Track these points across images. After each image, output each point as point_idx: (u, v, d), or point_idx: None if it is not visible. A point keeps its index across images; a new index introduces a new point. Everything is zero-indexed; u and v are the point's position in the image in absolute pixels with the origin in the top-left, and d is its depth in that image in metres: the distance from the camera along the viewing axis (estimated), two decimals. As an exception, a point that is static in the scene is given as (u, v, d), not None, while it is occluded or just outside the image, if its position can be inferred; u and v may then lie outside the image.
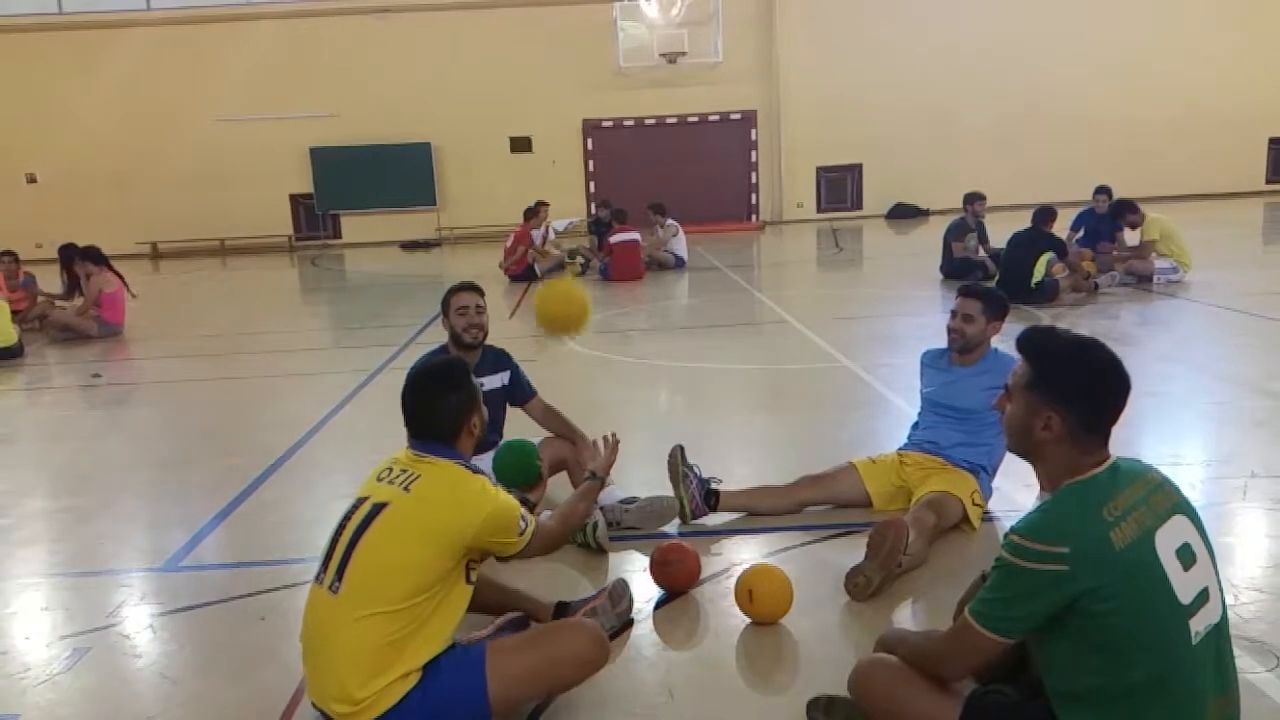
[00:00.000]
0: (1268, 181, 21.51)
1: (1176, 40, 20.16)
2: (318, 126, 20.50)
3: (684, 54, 20.05)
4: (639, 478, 4.32)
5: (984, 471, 3.95)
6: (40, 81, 19.86)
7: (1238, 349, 7.13)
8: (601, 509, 3.79)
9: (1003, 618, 1.97)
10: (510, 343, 4.79)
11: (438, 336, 5.81)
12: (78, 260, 10.33)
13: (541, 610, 3.02)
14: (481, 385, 2.81)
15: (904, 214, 21.04)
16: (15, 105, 19.94)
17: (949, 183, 17.69)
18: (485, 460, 3.86)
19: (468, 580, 2.52)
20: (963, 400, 3.97)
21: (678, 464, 3.98)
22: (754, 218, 21.50)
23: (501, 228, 17.48)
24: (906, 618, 3.20)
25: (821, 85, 20.64)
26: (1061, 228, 10.18)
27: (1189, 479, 4.19)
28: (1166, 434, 5.01)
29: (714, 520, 4.01)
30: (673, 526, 3.97)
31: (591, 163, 21.27)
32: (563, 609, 3.04)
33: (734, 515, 4.05)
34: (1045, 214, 9.47)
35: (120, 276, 10.17)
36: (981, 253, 10.88)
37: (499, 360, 4.39)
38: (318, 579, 2.48)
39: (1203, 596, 1.94)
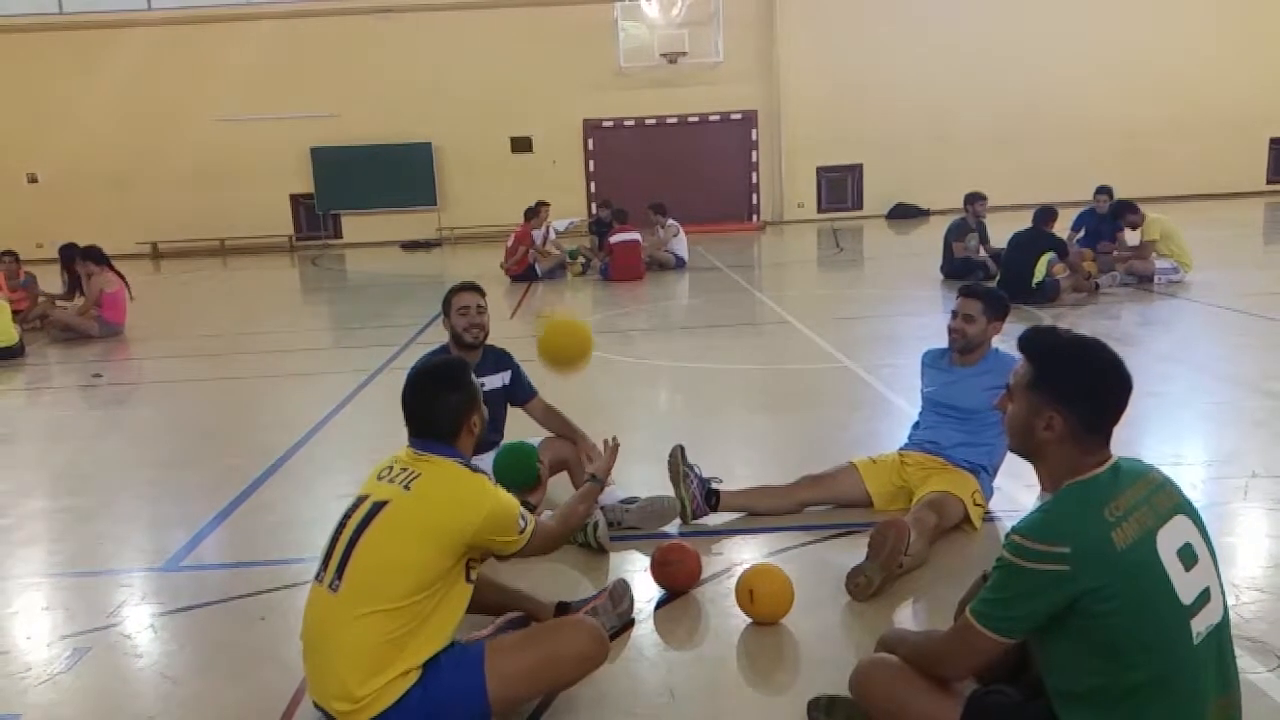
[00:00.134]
0: (1268, 181, 21.51)
1: (1177, 40, 20.16)
2: (318, 126, 20.51)
3: (685, 54, 20.05)
4: (639, 478, 4.32)
5: (985, 471, 3.95)
6: (41, 81, 19.87)
7: (1238, 349, 7.13)
8: (602, 509, 3.79)
9: (1004, 618, 1.97)
10: (511, 343, 4.78)
11: (438, 336, 5.81)
12: (79, 260, 10.34)
13: (542, 610, 3.02)
14: (482, 385, 2.81)
15: (904, 214, 21.04)
16: (16, 105, 19.96)
17: (949, 183, 17.69)
18: (485, 460, 3.86)
19: (468, 579, 2.53)
20: (964, 400, 3.97)
21: (678, 464, 3.98)
22: (754, 218, 21.50)
23: (502, 228, 17.48)
24: (907, 618, 3.20)
25: (822, 85, 20.65)
26: (1062, 228, 10.19)
27: (1190, 479, 4.19)
28: (1167, 434, 5.01)
29: (715, 520, 4.01)
30: (673, 526, 3.97)
31: (592, 163, 21.28)
32: (564, 609, 3.04)
33: (735, 515, 4.05)
34: (1046, 214, 9.47)
35: (122, 276, 10.17)
36: (982, 253, 10.88)
37: (500, 360, 4.39)
38: (318, 577, 2.48)
39: (1204, 597, 1.94)
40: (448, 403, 2.60)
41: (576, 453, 4.22)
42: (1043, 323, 5.55)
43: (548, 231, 13.80)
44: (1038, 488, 2.17)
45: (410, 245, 20.17)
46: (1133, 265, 9.96)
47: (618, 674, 2.89)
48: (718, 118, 21.24)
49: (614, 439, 3.32)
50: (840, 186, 21.73)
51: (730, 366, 7.50)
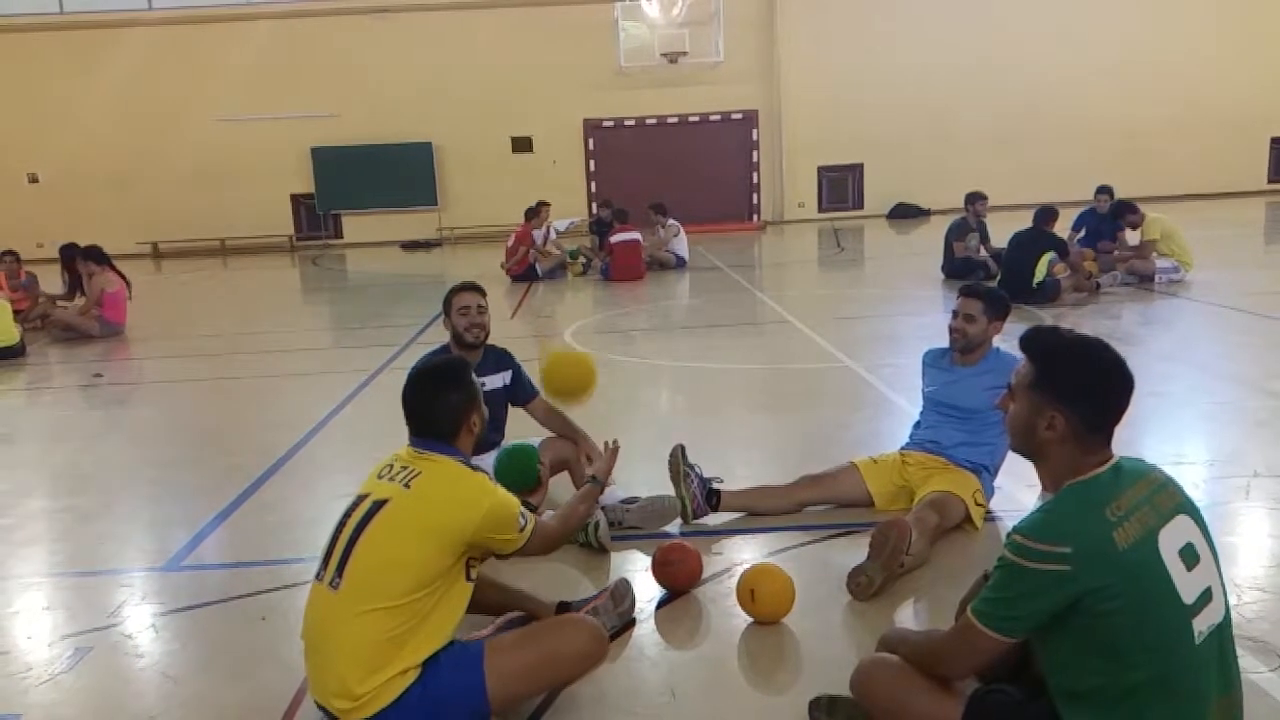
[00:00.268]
0: (1269, 181, 21.51)
1: (1177, 39, 20.16)
2: (319, 126, 20.51)
3: (685, 54, 20.04)
4: (640, 477, 4.31)
5: (986, 471, 3.95)
6: (41, 81, 19.87)
7: (1240, 348, 7.13)
8: (603, 509, 3.79)
9: (1005, 617, 1.97)
10: (512, 342, 4.78)
11: (439, 336, 5.82)
12: (80, 260, 10.34)
13: (543, 610, 3.02)
14: (483, 385, 2.82)
15: (905, 214, 21.04)
16: (16, 105, 19.97)
17: (950, 182, 17.69)
18: (486, 460, 3.86)
19: (468, 578, 2.53)
20: (965, 400, 3.97)
21: (679, 464, 3.98)
22: (755, 217, 21.50)
23: (502, 228, 17.48)
24: (908, 617, 3.20)
25: (822, 85, 20.66)
26: (1063, 227, 10.18)
27: (1191, 478, 4.18)
28: (1169, 433, 5.01)
29: (715, 520, 4.00)
30: (674, 526, 3.97)
31: (592, 162, 21.28)
32: (565, 609, 3.04)
33: (735, 515, 4.05)
34: (1047, 214, 9.47)
35: (123, 276, 10.17)
36: (983, 252, 10.88)
37: (501, 360, 4.39)
38: (318, 576, 2.49)
39: (1206, 596, 1.94)
40: (448, 402, 2.61)
41: (577, 453, 4.23)
42: (1044, 322, 5.55)
43: (548, 231, 13.80)
44: (1039, 487, 2.17)
45: (411, 245, 20.17)
46: (1133, 265, 9.96)
47: (619, 673, 2.89)
48: (718, 117, 21.24)
49: (614, 441, 3.33)
50: (841, 186, 21.73)
51: (731, 366, 7.50)
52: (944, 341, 4.11)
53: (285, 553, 4.00)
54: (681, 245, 13.38)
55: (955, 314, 4.00)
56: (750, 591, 3.13)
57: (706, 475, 4.05)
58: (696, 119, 21.17)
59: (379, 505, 2.46)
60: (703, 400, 6.47)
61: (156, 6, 20.19)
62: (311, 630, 2.47)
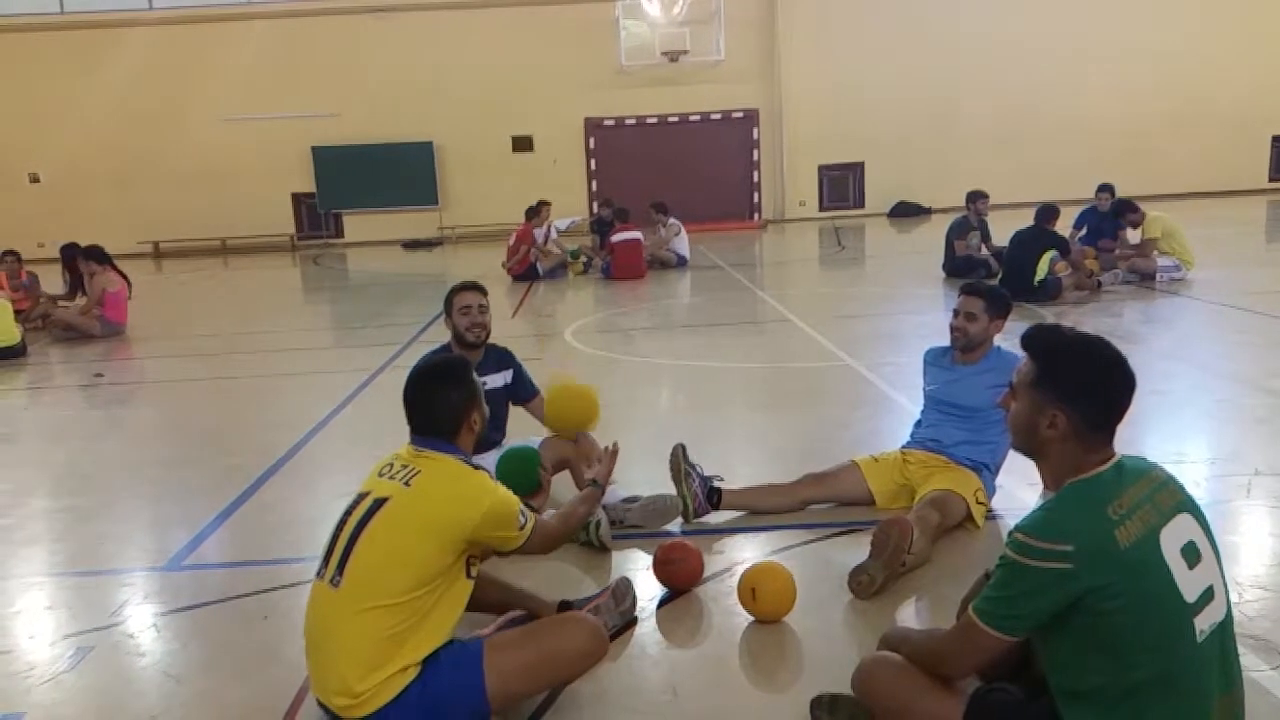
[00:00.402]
0: (1270, 179, 21.50)
1: (1178, 38, 20.14)
2: (319, 125, 20.52)
3: (686, 52, 20.05)
4: (641, 476, 4.31)
5: (987, 469, 3.95)
6: (42, 81, 19.88)
7: (1241, 346, 7.12)
8: (604, 507, 3.79)
9: (1007, 616, 1.97)
10: (513, 342, 4.79)
11: (440, 335, 5.82)
12: (81, 260, 10.34)
13: (545, 609, 3.02)
14: (484, 384, 2.82)
15: (906, 212, 21.04)
16: (17, 105, 19.97)
17: (951, 181, 17.69)
18: (487, 459, 3.86)
19: (468, 575, 2.54)
20: (966, 398, 3.97)
21: (679, 462, 3.98)
22: (756, 216, 21.50)
23: (503, 227, 17.50)
24: (910, 616, 3.19)
25: (823, 84, 20.65)
26: (1064, 226, 10.18)
27: (1192, 477, 4.18)
28: (1170, 432, 5.01)
29: (716, 519, 4.00)
30: (675, 525, 3.97)
31: (593, 161, 21.28)
32: (566, 607, 3.04)
33: (736, 514, 4.05)
34: (1048, 212, 9.47)
35: (124, 276, 10.17)
36: (984, 251, 10.87)
37: (502, 359, 4.40)
38: (319, 574, 2.50)
39: (1207, 595, 1.94)
40: (448, 400, 2.62)
41: (578, 451, 4.22)
42: (1045, 321, 5.54)
43: (549, 231, 13.79)
44: (1040, 486, 2.17)
45: (411, 244, 20.17)
46: (1134, 263, 9.96)
47: (620, 672, 2.89)
48: (719, 116, 21.23)
49: (614, 444, 3.34)
50: (842, 185, 21.73)
51: (732, 365, 7.50)
52: (945, 340, 4.11)
53: (286, 552, 4.00)
54: (682, 244, 13.37)
55: (956, 312, 4.00)
56: (751, 590, 3.13)
57: (707, 474, 4.05)
58: (697, 118, 21.17)
59: (380, 503, 2.47)
60: (704, 399, 6.47)
61: (157, 6, 20.20)
62: (312, 628, 2.48)
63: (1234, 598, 2.34)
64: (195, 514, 4.48)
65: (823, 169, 21.61)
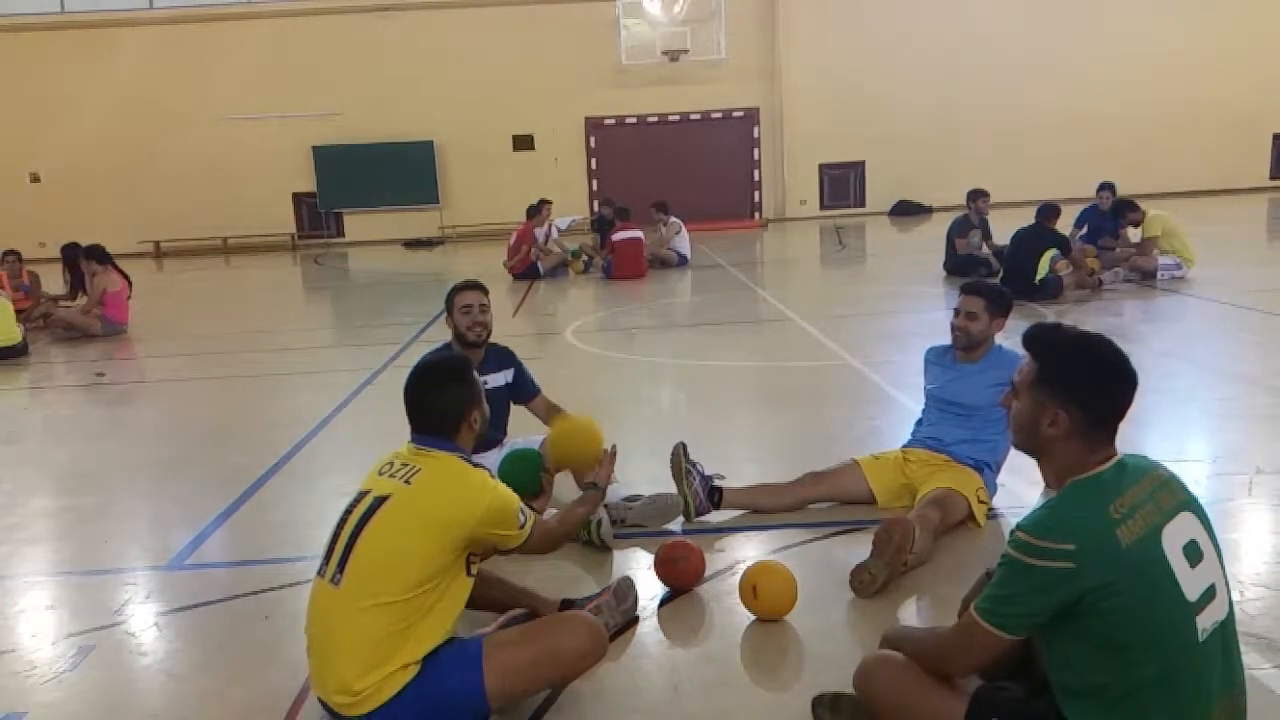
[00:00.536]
0: (1271, 177, 21.47)
1: (1179, 36, 20.12)
2: (320, 125, 20.51)
3: (686, 51, 20.05)
4: (642, 475, 4.31)
5: (988, 468, 3.95)
6: (43, 80, 19.88)
7: (1242, 345, 7.12)
8: (605, 506, 3.79)
9: (1008, 615, 1.97)
10: (514, 341, 4.79)
11: (441, 335, 5.82)
12: (82, 259, 10.35)
13: (547, 607, 3.02)
14: (485, 383, 2.83)
15: (907, 211, 21.02)
16: (19, 104, 19.97)
17: (952, 179, 17.66)
18: (488, 458, 3.86)
19: (468, 573, 2.55)
20: (967, 397, 3.97)
21: (681, 461, 3.98)
22: (757, 215, 21.49)
23: (504, 226, 17.49)
24: (911, 615, 3.20)
25: (824, 82, 20.63)
26: (1065, 224, 10.17)
27: (1194, 475, 4.17)
28: (1171, 430, 5.01)
29: (718, 517, 4.00)
30: (677, 524, 3.97)
31: (594, 160, 21.27)
32: (568, 606, 3.05)
33: (738, 512, 4.05)
34: (1049, 210, 9.46)
35: (125, 275, 10.18)
36: (985, 249, 10.86)
37: (503, 358, 4.40)
38: (320, 572, 2.50)
39: (1209, 593, 1.94)
40: (448, 398, 2.63)
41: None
42: (1046, 319, 5.54)
43: (550, 230, 13.79)
44: (1041, 484, 2.17)
45: (412, 243, 20.17)
46: (1135, 261, 9.96)
47: (621, 671, 2.89)
48: (720, 115, 21.22)
49: (612, 446, 3.35)
50: (843, 183, 21.71)
51: (733, 364, 7.50)
52: (946, 339, 4.11)
53: (288, 551, 4.00)
54: (683, 243, 13.37)
55: (957, 311, 4.00)
56: (753, 589, 3.13)
57: (708, 473, 4.05)
58: (698, 117, 21.16)
59: (380, 501, 2.48)
60: (705, 398, 6.47)
61: (158, 5, 20.19)
62: (313, 626, 2.49)
63: (1236, 596, 2.34)
64: (197, 513, 4.48)
65: (823, 168, 21.59)
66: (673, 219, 13.33)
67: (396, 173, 20.71)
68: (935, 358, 4.21)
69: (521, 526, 2.58)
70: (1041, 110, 20.34)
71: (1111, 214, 10.76)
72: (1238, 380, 6.08)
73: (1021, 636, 2.00)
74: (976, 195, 11.02)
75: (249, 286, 15.65)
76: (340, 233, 21.47)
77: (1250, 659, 2.52)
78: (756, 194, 21.64)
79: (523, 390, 4.42)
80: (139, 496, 4.98)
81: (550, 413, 4.39)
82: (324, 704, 2.44)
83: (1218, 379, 6.14)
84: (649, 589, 3.38)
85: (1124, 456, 2.03)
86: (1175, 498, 1.99)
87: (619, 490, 4.01)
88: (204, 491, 4.81)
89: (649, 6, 19.26)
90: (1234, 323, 7.98)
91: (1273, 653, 2.77)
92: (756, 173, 21.53)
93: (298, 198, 21.20)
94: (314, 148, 20.69)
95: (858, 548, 3.47)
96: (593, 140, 21.19)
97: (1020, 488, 4.06)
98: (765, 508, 4.04)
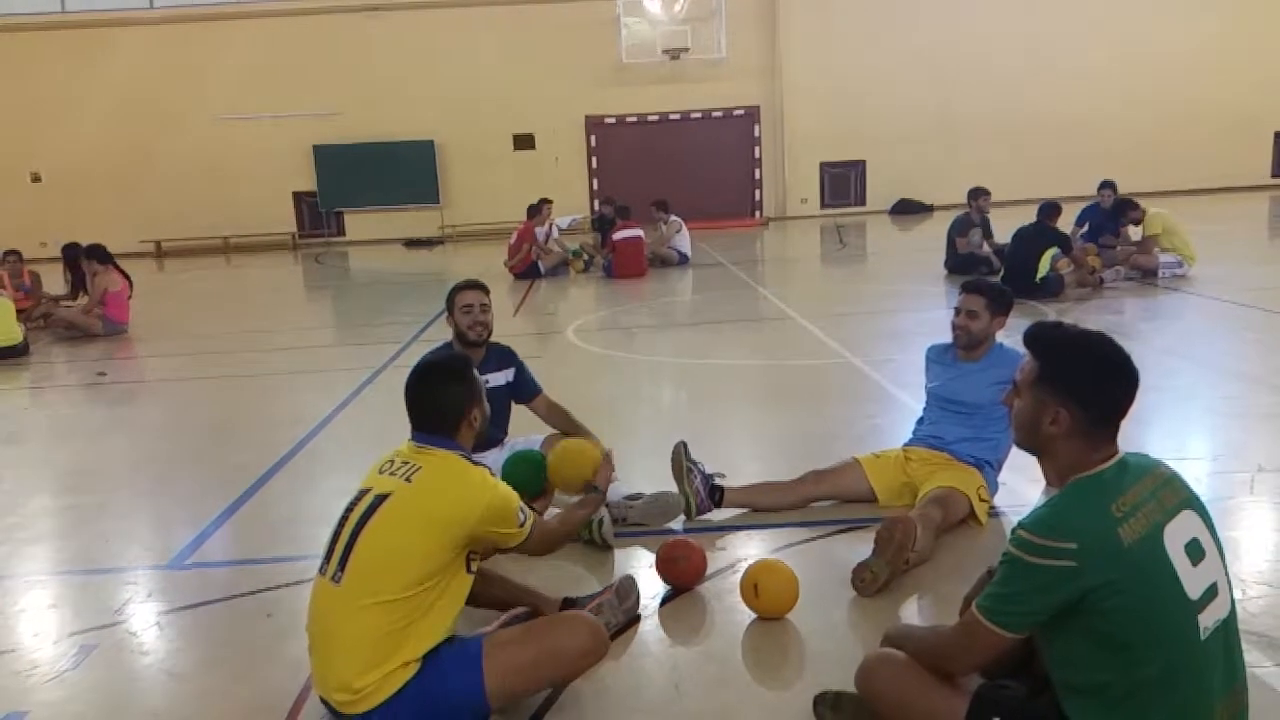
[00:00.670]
0: (1272, 175, 21.45)
1: (1181, 34, 20.10)
2: (321, 124, 20.51)
3: (687, 50, 20.04)
4: (643, 474, 4.31)
5: (989, 466, 3.95)
6: (44, 80, 19.89)
7: (1243, 343, 7.12)
8: (607, 505, 3.79)
9: (1010, 613, 1.97)
10: (514, 340, 4.79)
11: (442, 334, 5.82)
12: (83, 259, 10.35)
13: (548, 606, 3.03)
14: (486, 382, 2.83)
15: (908, 209, 21.01)
16: (19, 104, 19.98)
17: (953, 178, 17.67)
18: (488, 457, 3.86)
19: (468, 570, 2.55)
20: (968, 395, 3.97)
21: (682, 460, 3.98)
22: (757, 214, 21.49)
23: (505, 225, 17.48)
24: (913, 613, 3.20)
25: (825, 81, 20.63)
26: (1066, 222, 10.17)
27: (1195, 474, 4.17)
28: (1172, 428, 5.00)
29: (719, 516, 4.00)
30: (678, 523, 3.97)
31: (595, 159, 21.26)
32: (570, 605, 3.05)
33: (739, 511, 4.05)
34: (1050, 209, 9.46)
35: (126, 275, 10.18)
36: (986, 248, 10.86)
37: (504, 357, 4.40)
38: (321, 570, 2.51)
39: (1211, 592, 1.93)
40: (448, 396, 2.64)
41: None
42: (1047, 318, 5.53)
43: (551, 229, 13.79)
44: (1043, 483, 2.16)
45: (413, 243, 20.17)
46: (1136, 260, 9.95)
47: (623, 670, 2.89)
48: (720, 114, 21.21)
49: (608, 451, 3.36)
50: (843, 182, 21.71)
51: (733, 362, 7.50)
52: (947, 337, 4.11)
53: (289, 550, 4.00)
54: (684, 242, 13.36)
55: (958, 310, 4.00)
56: (754, 587, 3.13)
57: (709, 471, 4.05)
58: (699, 115, 21.15)
59: (381, 499, 2.48)
60: (705, 396, 6.47)
61: (158, 5, 20.19)
62: (314, 625, 2.50)
63: (1237, 594, 2.33)
64: (198, 512, 4.48)
65: (824, 166, 21.58)
66: (673, 218, 13.32)
67: (397, 172, 20.70)
68: (936, 356, 4.21)
69: (521, 525, 2.59)
70: (1042, 109, 20.32)
71: (1112, 212, 10.76)
72: (1239, 378, 6.07)
73: (1023, 635, 1.99)
74: (977, 194, 11.02)
75: (250, 286, 15.65)
76: (341, 232, 21.47)
77: (1252, 657, 2.52)
78: (757, 192, 21.63)
79: (524, 389, 4.42)
80: (140, 496, 4.99)
81: (551, 412, 4.39)
82: (325, 702, 2.45)
83: (1219, 377, 6.14)
84: (650, 588, 3.38)
85: (1126, 455, 2.03)
86: (1177, 496, 1.99)
87: (620, 489, 4.01)
88: (205, 491, 4.81)
89: (649, 5, 19.25)
90: (1235, 321, 7.98)
91: (1274, 651, 2.77)
92: (757, 171, 21.52)
93: (298, 197, 21.21)
94: (314, 147, 20.70)
95: (859, 546, 3.47)
96: (593, 139, 21.18)
97: (1021, 486, 4.06)
98: (766, 506, 4.04)
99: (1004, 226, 10.69)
